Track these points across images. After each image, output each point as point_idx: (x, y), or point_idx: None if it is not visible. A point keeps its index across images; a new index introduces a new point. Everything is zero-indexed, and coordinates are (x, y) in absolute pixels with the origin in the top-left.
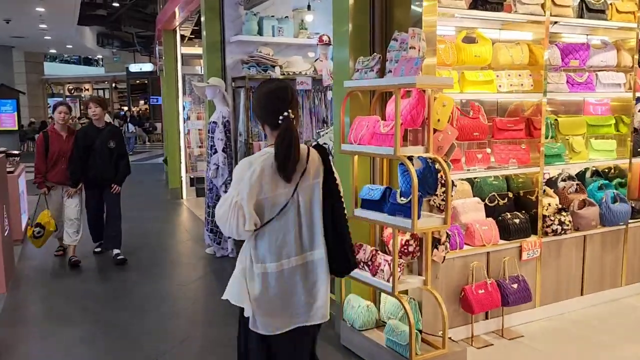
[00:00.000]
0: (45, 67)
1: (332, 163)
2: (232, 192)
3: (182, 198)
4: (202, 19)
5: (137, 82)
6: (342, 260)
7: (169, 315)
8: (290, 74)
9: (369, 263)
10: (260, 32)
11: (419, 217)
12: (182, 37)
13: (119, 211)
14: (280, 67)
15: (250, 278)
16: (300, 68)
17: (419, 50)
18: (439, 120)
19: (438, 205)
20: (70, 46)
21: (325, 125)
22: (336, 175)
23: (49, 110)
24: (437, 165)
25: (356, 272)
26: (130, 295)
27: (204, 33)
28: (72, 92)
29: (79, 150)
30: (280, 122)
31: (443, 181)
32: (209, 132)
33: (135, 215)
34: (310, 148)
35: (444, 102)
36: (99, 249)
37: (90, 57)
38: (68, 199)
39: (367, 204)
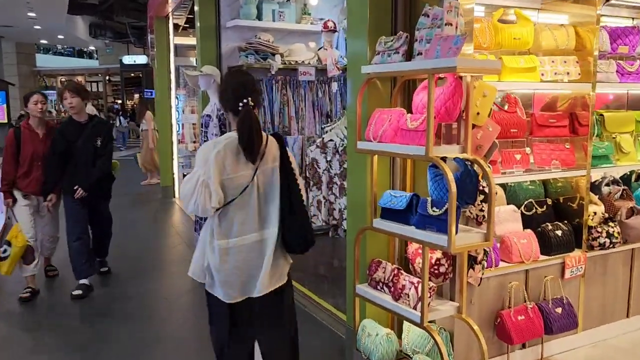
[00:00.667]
0: (38, 58)
1: (287, 148)
2: (199, 172)
3: (174, 197)
4: (196, 2)
5: (132, 75)
6: (298, 237)
7: (150, 340)
8: (292, 63)
9: (390, 284)
10: (259, 17)
11: (456, 232)
12: (176, 26)
13: (108, 220)
14: (281, 55)
15: (211, 251)
16: (302, 57)
17: (457, 27)
18: (478, 113)
19: (475, 217)
20: (62, 37)
21: (329, 119)
22: (292, 159)
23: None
24: (476, 168)
25: (374, 294)
26: (111, 314)
27: (197, 17)
28: (64, 84)
29: (57, 152)
30: (240, 108)
31: (481, 188)
32: (202, 127)
33: (123, 215)
34: (269, 135)
35: (484, 92)
36: (104, 269)
37: (83, 48)
38: (47, 214)
39: (389, 214)
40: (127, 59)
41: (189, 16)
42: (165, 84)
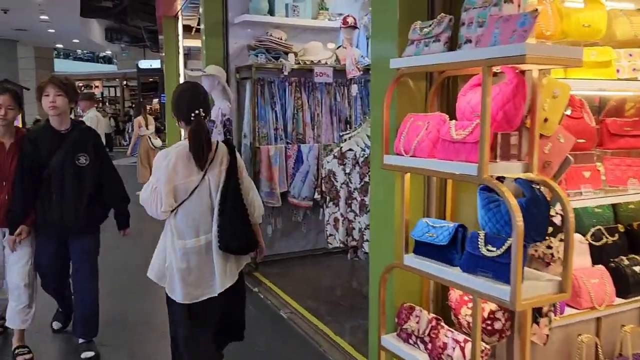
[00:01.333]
0: (56, 63)
1: (237, 153)
2: (152, 179)
3: None
4: None
5: (150, 79)
6: (225, 237)
7: None
8: (307, 63)
9: (426, 339)
10: (271, 12)
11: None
12: (188, 27)
13: (95, 280)
14: (295, 54)
15: (173, 252)
16: (319, 56)
17: (519, 4)
18: (546, 119)
19: (541, 256)
20: (77, 41)
21: (348, 126)
22: (240, 162)
23: None
24: (543, 191)
25: (405, 350)
26: None
27: (201, 12)
28: (82, 89)
29: (25, 173)
30: (192, 118)
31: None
32: None
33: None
34: (218, 141)
35: (554, 92)
36: (58, 325)
37: (102, 53)
38: (12, 254)
39: (425, 249)
40: (144, 64)
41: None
42: (174, 87)
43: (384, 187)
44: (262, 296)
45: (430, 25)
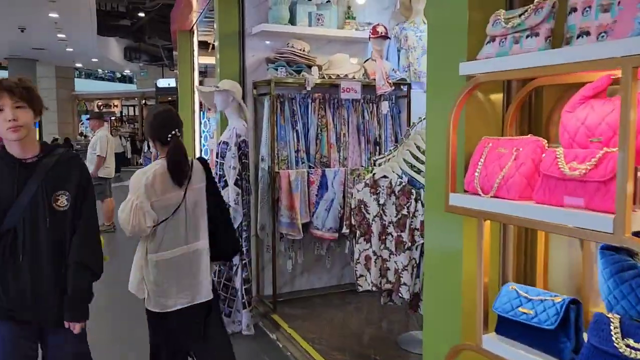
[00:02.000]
0: (76, 83)
1: (211, 171)
2: (132, 197)
3: None
4: (215, 2)
5: (169, 99)
6: (228, 245)
7: None
8: (332, 77)
9: None
10: (292, 21)
11: None
12: (205, 44)
13: None
14: (319, 67)
15: (146, 265)
16: (345, 70)
17: None
18: None
19: None
20: (96, 60)
21: (378, 147)
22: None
23: (80, 127)
24: None
25: None
26: None
27: (216, 21)
28: (101, 108)
29: None
30: (169, 139)
31: None
32: (217, 157)
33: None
34: (194, 159)
35: None
36: None
37: (122, 73)
38: None
39: (516, 330)
40: (162, 82)
41: None
42: (188, 106)
43: (447, 236)
44: (280, 345)
45: (522, 15)
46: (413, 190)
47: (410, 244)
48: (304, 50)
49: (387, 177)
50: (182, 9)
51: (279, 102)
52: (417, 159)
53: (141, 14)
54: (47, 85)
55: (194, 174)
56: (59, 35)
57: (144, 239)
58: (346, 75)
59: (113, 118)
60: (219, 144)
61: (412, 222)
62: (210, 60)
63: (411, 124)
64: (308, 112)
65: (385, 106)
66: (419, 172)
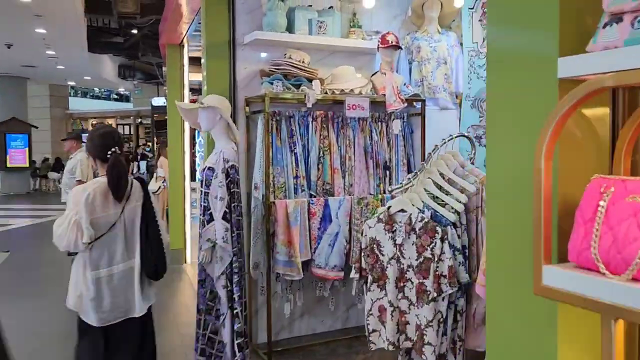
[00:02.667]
0: (71, 101)
1: (149, 191)
2: (70, 213)
3: (185, 262)
4: (202, 7)
5: (165, 117)
6: (150, 266)
7: None
8: (336, 92)
9: None
10: (290, 29)
11: None
12: (197, 60)
13: None
14: (321, 81)
15: (84, 282)
16: (351, 84)
17: None
18: None
19: None
20: (89, 78)
21: (388, 172)
22: (152, 199)
23: None
24: None
25: None
26: None
27: (203, 30)
28: (95, 126)
29: None
30: (108, 156)
31: None
32: (201, 185)
33: None
34: (132, 179)
35: None
36: None
37: (119, 91)
38: None
39: None
40: (157, 101)
41: None
42: (178, 124)
43: (528, 332)
44: None
45: None
46: (438, 228)
47: (435, 293)
48: (303, 62)
49: (406, 211)
50: (171, 20)
51: (274, 121)
52: (440, 188)
53: (134, 31)
54: (39, 104)
55: (133, 192)
56: (48, 52)
57: (82, 255)
58: (352, 90)
59: None
60: (204, 170)
61: (437, 267)
62: (198, 77)
63: (433, 148)
64: (308, 132)
65: (397, 125)
66: (443, 204)
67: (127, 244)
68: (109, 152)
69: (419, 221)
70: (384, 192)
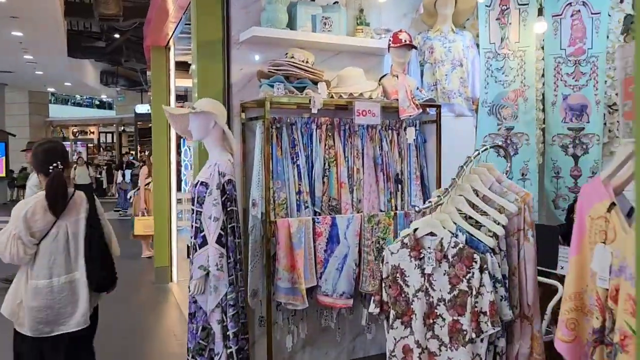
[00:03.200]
0: (51, 108)
1: (96, 199)
2: (11, 227)
3: (170, 281)
4: (192, 1)
5: (149, 125)
6: (96, 279)
7: None
8: (343, 96)
9: None
10: (291, 25)
11: None
12: (185, 65)
13: None
14: (327, 83)
15: (25, 292)
16: (360, 87)
17: None
18: None
19: None
20: (69, 84)
21: (400, 186)
22: (100, 211)
23: None
24: None
25: None
26: None
27: (193, 26)
28: (77, 135)
29: None
30: (50, 170)
31: None
32: (193, 204)
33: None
34: (76, 190)
35: None
36: None
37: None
38: None
39: None
40: (141, 108)
41: None
42: (164, 132)
43: None
44: None
45: None
46: (476, 256)
47: (474, 334)
48: (307, 62)
49: (436, 235)
50: (156, 20)
51: (274, 129)
52: (474, 207)
53: (116, 35)
54: (18, 111)
55: (74, 205)
56: (26, 57)
57: (25, 267)
58: (361, 94)
59: (91, 145)
60: (195, 185)
61: (476, 302)
62: (190, 83)
63: (465, 160)
64: (312, 142)
65: (411, 133)
66: (478, 227)
67: (69, 256)
68: (51, 167)
69: (452, 247)
70: (396, 209)
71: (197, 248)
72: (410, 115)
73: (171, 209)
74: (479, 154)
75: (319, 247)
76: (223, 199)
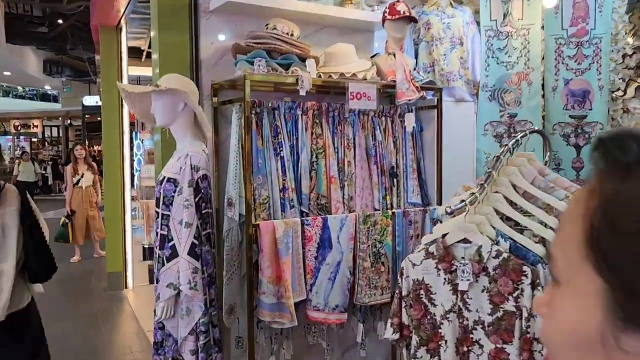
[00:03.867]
0: None
1: (27, 195)
2: None
3: (125, 287)
4: None
5: (99, 118)
6: (40, 268)
7: None
8: (333, 76)
9: None
10: None
11: None
12: (137, 51)
13: None
14: (316, 60)
15: None
16: (352, 67)
17: None
18: None
19: None
20: (8, 73)
21: (395, 181)
22: (34, 206)
23: None
24: None
25: None
26: None
27: None
28: (19, 128)
29: None
30: None
31: None
32: (157, 205)
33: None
34: (6, 183)
35: None
36: None
37: (43, 90)
38: None
39: None
40: (89, 100)
41: None
42: (115, 123)
43: None
44: None
45: None
46: (526, 268)
47: None
48: (292, 35)
49: (471, 243)
50: None
51: (254, 114)
52: (515, 206)
53: (60, 20)
54: None
55: (4, 197)
56: None
57: None
58: (354, 74)
59: (35, 140)
60: (161, 182)
61: (527, 326)
62: (144, 71)
63: (501, 150)
64: (297, 130)
65: (410, 120)
66: (521, 230)
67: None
68: None
69: (494, 257)
70: (392, 207)
71: (165, 262)
72: (409, 100)
73: (125, 207)
74: (518, 142)
75: (309, 253)
76: (197, 199)
